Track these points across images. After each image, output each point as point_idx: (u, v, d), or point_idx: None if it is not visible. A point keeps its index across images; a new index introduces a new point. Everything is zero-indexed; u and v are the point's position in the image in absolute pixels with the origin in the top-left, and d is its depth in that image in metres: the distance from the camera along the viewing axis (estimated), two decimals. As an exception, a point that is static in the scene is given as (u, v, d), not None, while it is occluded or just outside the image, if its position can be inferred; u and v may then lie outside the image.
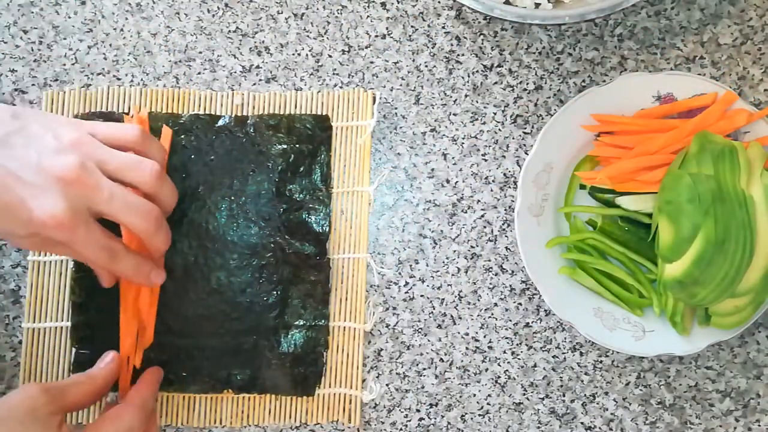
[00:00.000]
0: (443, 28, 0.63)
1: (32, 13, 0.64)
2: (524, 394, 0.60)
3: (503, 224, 0.62)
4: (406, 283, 0.61)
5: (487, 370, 0.61)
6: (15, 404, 0.47)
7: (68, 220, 0.45)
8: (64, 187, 0.46)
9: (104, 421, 0.50)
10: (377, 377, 0.61)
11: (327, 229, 0.61)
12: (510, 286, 0.61)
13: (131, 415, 0.51)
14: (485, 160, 0.62)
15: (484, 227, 0.62)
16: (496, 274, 0.61)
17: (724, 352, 0.60)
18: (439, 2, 0.64)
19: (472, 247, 0.62)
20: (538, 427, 0.60)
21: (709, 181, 0.54)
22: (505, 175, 0.62)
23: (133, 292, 0.58)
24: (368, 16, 0.64)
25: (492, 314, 0.61)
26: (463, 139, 0.63)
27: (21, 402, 0.47)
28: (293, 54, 0.64)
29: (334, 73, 0.63)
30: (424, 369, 0.61)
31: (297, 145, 0.62)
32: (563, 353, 0.61)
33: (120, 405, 0.52)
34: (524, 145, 0.62)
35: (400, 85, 0.63)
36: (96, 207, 0.47)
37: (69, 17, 0.64)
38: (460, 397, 0.60)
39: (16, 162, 0.46)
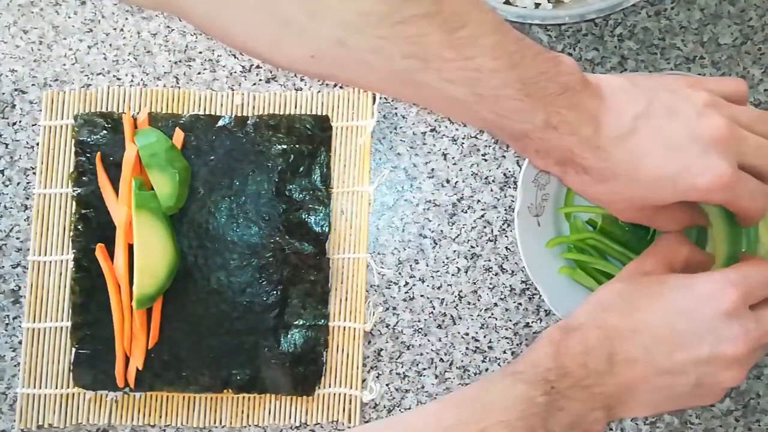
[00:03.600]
0: (443, 28, 0.63)
1: (32, 13, 0.64)
2: (524, 394, 0.60)
3: (503, 224, 0.62)
4: (406, 283, 0.61)
5: (487, 370, 0.60)
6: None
7: (730, 179, 0.44)
8: (719, 147, 0.45)
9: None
10: (377, 377, 0.61)
11: (327, 229, 0.61)
12: (510, 286, 0.61)
13: None
14: (485, 160, 0.62)
15: (484, 227, 0.62)
16: (496, 274, 0.61)
17: (724, 352, 0.60)
18: (439, 2, 0.63)
19: (472, 247, 0.62)
20: (538, 427, 0.60)
21: None
22: (505, 175, 0.62)
23: (121, 295, 0.59)
24: (368, 16, 0.64)
25: (492, 314, 0.61)
26: (463, 139, 0.63)
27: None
28: (293, 54, 0.64)
29: (334, 73, 0.63)
30: (424, 369, 0.61)
31: (297, 146, 0.62)
32: (563, 353, 0.60)
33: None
34: (524, 145, 0.62)
35: (400, 85, 0.63)
36: (744, 159, 0.46)
37: (69, 17, 0.64)
38: (460, 397, 0.60)
39: (666, 134, 0.45)
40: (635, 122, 0.44)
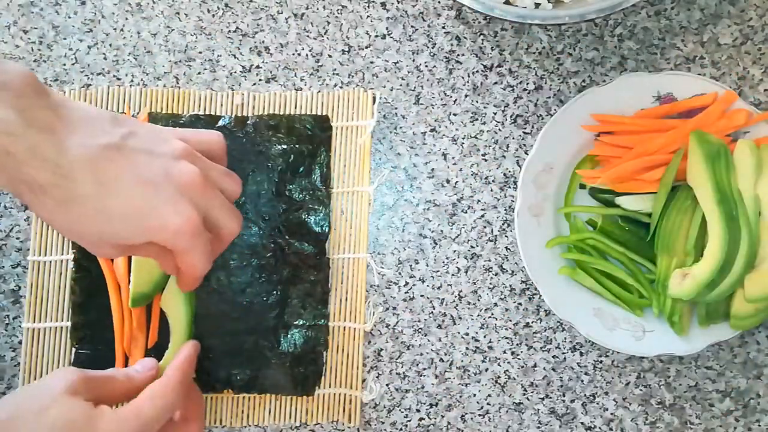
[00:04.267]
0: (443, 28, 0.63)
1: (32, 13, 0.64)
2: (524, 394, 0.60)
3: (503, 224, 0.62)
4: (406, 283, 0.61)
5: (487, 370, 0.61)
6: (52, 384, 0.47)
7: (199, 227, 0.45)
8: (191, 194, 0.45)
9: (143, 400, 0.49)
10: (377, 377, 0.61)
11: (326, 230, 0.61)
12: (510, 286, 0.61)
13: (171, 393, 0.50)
14: (485, 160, 0.62)
15: (484, 227, 0.62)
16: (496, 274, 0.61)
17: (724, 352, 0.60)
18: (439, 2, 0.64)
19: (472, 247, 0.62)
20: (538, 427, 0.60)
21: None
22: (505, 175, 0.62)
23: (120, 296, 0.59)
24: (368, 16, 0.64)
25: (492, 314, 0.61)
26: (463, 139, 0.63)
27: (58, 382, 0.47)
28: (293, 54, 0.64)
29: (334, 73, 0.63)
30: (424, 369, 0.61)
31: (297, 146, 0.62)
32: (563, 353, 0.61)
33: (158, 381, 0.51)
34: (524, 145, 0.62)
35: (400, 85, 0.63)
36: (211, 213, 0.47)
37: (69, 17, 0.64)
38: (460, 397, 0.60)
39: (143, 168, 0.45)
40: (106, 151, 0.43)
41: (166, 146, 0.46)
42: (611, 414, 0.60)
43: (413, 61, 0.63)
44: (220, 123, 0.62)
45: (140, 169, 0.44)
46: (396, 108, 0.63)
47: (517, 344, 0.61)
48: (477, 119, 0.63)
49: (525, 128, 0.62)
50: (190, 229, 0.45)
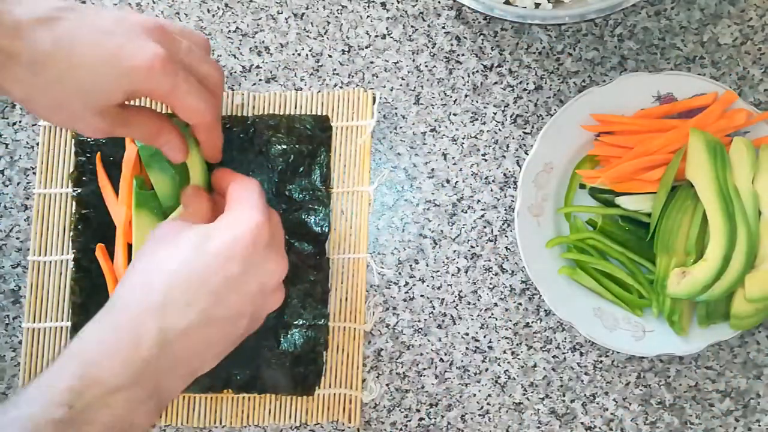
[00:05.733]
0: (443, 28, 0.63)
1: (32, 13, 0.64)
2: (524, 394, 0.60)
3: (503, 224, 0.62)
4: (406, 283, 0.61)
5: (487, 370, 0.61)
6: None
7: (166, 60, 0.45)
8: (153, 35, 0.46)
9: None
10: (377, 377, 0.61)
11: (326, 230, 0.61)
12: (510, 286, 0.61)
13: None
14: (485, 160, 0.62)
15: (484, 227, 0.62)
16: (496, 274, 0.61)
17: (724, 352, 0.60)
18: (439, 2, 0.64)
19: (472, 247, 0.62)
20: (538, 427, 0.60)
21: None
22: (505, 175, 0.62)
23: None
24: (368, 16, 0.64)
25: (492, 314, 0.61)
26: (463, 139, 0.63)
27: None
28: (293, 54, 0.64)
29: (334, 73, 0.63)
30: (424, 369, 0.61)
31: (297, 146, 0.62)
32: (563, 353, 0.61)
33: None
34: (524, 145, 0.62)
35: (400, 85, 0.63)
36: (177, 56, 0.47)
37: (69, 17, 0.64)
38: (460, 397, 0.60)
39: (98, 21, 0.45)
40: (58, 12, 0.44)
41: (128, 8, 0.47)
42: (611, 414, 0.60)
43: (413, 61, 0.63)
44: (220, 123, 0.62)
45: (93, 22, 0.45)
46: (396, 108, 0.63)
47: (517, 344, 0.61)
48: (477, 119, 0.63)
49: (525, 128, 0.62)
50: (159, 65, 0.45)
